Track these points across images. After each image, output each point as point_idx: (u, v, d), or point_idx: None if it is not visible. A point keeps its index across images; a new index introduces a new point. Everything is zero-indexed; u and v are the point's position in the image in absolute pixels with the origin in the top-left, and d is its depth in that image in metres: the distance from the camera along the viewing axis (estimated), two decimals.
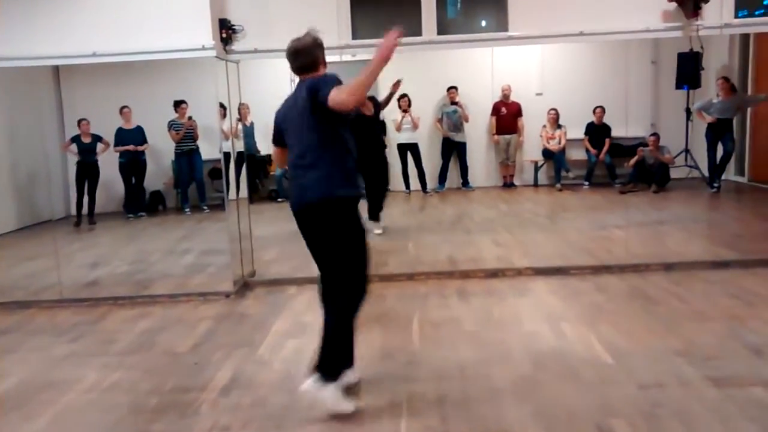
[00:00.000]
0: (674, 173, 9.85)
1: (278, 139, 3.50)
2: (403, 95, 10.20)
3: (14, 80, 7.48)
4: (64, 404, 3.54)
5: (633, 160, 10.04)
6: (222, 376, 3.78)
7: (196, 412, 3.34)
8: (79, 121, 9.25)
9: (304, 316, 4.85)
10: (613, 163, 10.50)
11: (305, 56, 3.32)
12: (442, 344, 4.10)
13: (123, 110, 9.61)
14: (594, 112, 10.59)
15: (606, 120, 10.58)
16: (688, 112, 9.38)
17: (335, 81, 3.17)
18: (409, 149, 10.66)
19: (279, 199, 10.57)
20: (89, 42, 5.44)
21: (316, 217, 3.25)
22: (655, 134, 10.06)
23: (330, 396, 3.17)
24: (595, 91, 10.69)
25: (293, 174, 3.36)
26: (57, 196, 9.46)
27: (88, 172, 9.29)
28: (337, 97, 3.05)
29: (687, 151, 9.54)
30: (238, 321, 4.88)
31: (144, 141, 9.72)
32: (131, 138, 9.64)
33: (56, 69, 9.53)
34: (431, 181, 10.87)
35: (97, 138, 9.29)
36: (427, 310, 4.79)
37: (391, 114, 10.21)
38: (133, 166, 9.70)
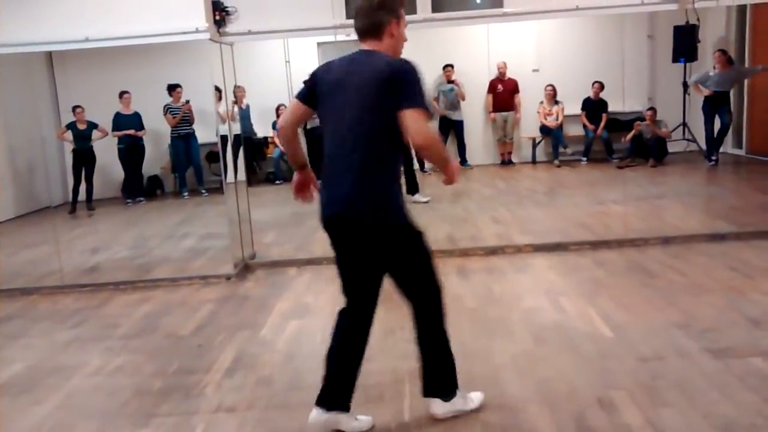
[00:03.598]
0: (672, 147, 9.84)
1: (309, 97, 2.79)
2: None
3: (8, 67, 7.42)
4: (70, 388, 3.57)
5: (630, 135, 10.01)
6: (225, 358, 3.81)
7: (201, 394, 3.38)
8: (74, 108, 9.22)
9: (305, 297, 4.88)
10: (611, 139, 10.48)
11: (364, 18, 2.74)
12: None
13: (123, 95, 9.57)
14: (591, 87, 10.56)
15: (603, 95, 10.55)
16: (685, 85, 9.35)
17: (422, 90, 2.59)
18: None
19: (277, 182, 10.57)
20: (82, 27, 5.40)
21: (370, 241, 2.73)
22: (652, 108, 10.03)
23: (462, 403, 2.95)
24: (592, 66, 10.64)
25: (336, 165, 2.73)
26: (55, 182, 9.45)
27: (84, 159, 9.27)
28: (417, 126, 2.51)
29: (684, 124, 9.53)
30: (240, 303, 4.91)
31: (142, 126, 9.70)
32: (130, 123, 9.62)
33: (49, 55, 9.48)
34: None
35: (92, 125, 9.25)
36: None
37: None
38: (132, 151, 9.69)
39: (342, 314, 2.90)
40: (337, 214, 2.75)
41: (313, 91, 2.79)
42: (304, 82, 2.85)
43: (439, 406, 2.93)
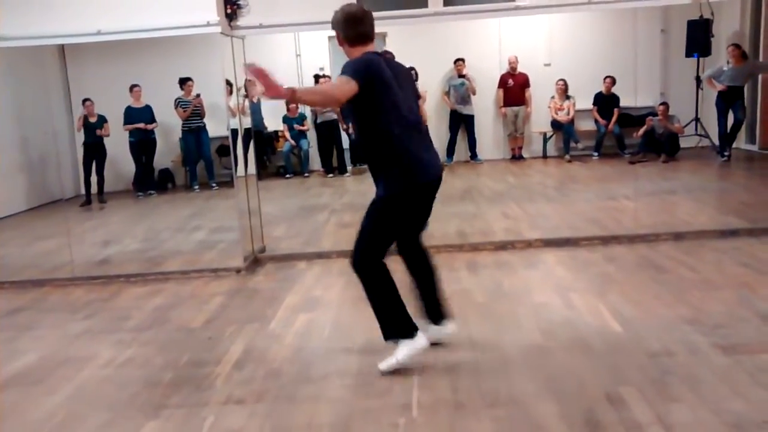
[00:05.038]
0: (684, 142, 9.79)
1: (382, 84, 3.19)
2: (410, 68, 10.11)
3: (20, 60, 7.48)
4: (81, 379, 3.60)
5: (642, 130, 9.97)
6: (235, 350, 3.83)
7: (210, 386, 3.40)
8: (84, 101, 9.27)
9: (314, 291, 4.89)
10: (622, 134, 10.44)
11: (370, 25, 3.31)
12: (452, 316, 4.12)
13: (134, 89, 9.62)
14: (603, 81, 10.50)
15: (615, 90, 10.50)
16: (698, 80, 9.29)
17: None
18: None
19: (287, 176, 10.60)
20: (94, 20, 5.41)
21: (436, 188, 3.43)
22: (664, 103, 9.98)
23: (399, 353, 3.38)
24: (604, 60, 10.59)
25: (421, 144, 3.35)
26: (67, 175, 9.52)
27: (95, 152, 9.33)
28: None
29: (697, 119, 9.47)
30: (250, 296, 4.93)
31: (153, 120, 9.74)
32: (141, 116, 9.66)
33: (62, 48, 9.54)
34: (440, 154, 10.78)
35: (102, 119, 9.30)
36: None
37: None
38: (143, 144, 9.74)
39: (384, 264, 3.35)
40: (439, 175, 3.37)
41: (381, 76, 3.18)
42: (357, 73, 3.13)
43: (383, 363, 3.38)
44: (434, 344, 3.50)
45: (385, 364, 3.36)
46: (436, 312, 3.63)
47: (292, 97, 2.98)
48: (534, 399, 3.01)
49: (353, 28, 3.28)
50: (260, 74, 2.86)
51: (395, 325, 3.36)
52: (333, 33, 3.38)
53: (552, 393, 3.05)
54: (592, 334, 3.71)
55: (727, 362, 3.23)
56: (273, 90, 2.89)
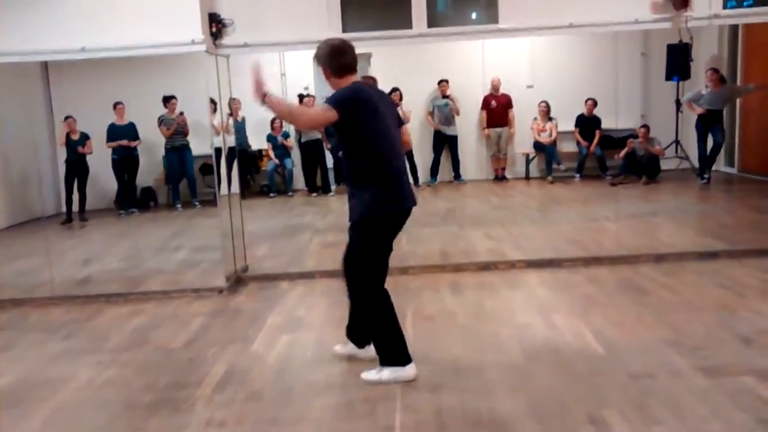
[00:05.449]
0: (664, 165, 9.90)
1: (369, 113, 3.36)
2: (395, 89, 10.18)
3: (3, 76, 7.43)
4: (59, 402, 3.54)
5: (623, 152, 10.09)
6: (216, 372, 3.79)
7: (191, 408, 3.35)
8: (66, 118, 9.19)
9: (297, 311, 4.87)
10: (604, 155, 10.55)
11: (353, 56, 3.47)
12: (435, 337, 4.12)
13: (117, 106, 9.58)
14: (585, 104, 10.63)
15: (596, 112, 10.62)
16: (678, 103, 9.43)
17: None
18: None
19: (271, 195, 10.58)
20: (78, 37, 5.40)
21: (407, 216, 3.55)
22: (645, 126, 10.10)
23: (387, 375, 3.51)
24: (586, 83, 10.73)
25: (401, 171, 3.51)
26: (48, 192, 9.43)
27: (77, 170, 9.24)
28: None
29: (677, 142, 9.60)
30: (232, 316, 4.89)
31: (137, 137, 9.69)
32: (124, 134, 9.61)
33: (45, 65, 9.48)
34: (423, 175, 10.89)
35: (84, 136, 9.23)
36: (420, 304, 4.81)
37: None
38: (126, 162, 9.68)
39: (386, 293, 3.53)
40: (412, 204, 3.49)
41: (372, 106, 3.35)
42: (340, 103, 3.28)
43: (367, 373, 3.51)
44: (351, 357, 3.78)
45: (369, 376, 3.49)
46: (362, 336, 3.73)
47: (263, 98, 3.22)
48: (517, 420, 3.01)
49: (339, 60, 3.42)
50: (256, 77, 3.18)
51: (391, 352, 3.48)
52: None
53: (535, 414, 3.05)
54: (575, 355, 3.71)
55: (707, 384, 3.24)
56: (258, 91, 3.20)
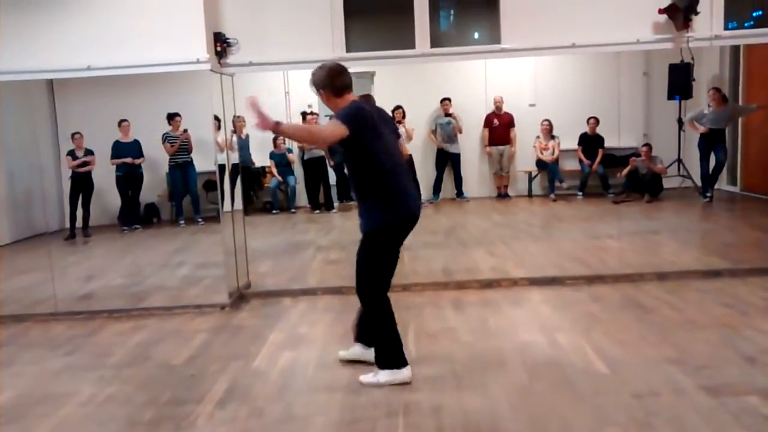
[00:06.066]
0: (667, 183, 9.92)
1: (371, 129, 3.52)
2: (398, 107, 10.24)
3: (8, 93, 7.48)
4: (60, 418, 3.53)
5: (626, 171, 10.11)
6: (218, 389, 3.78)
7: (192, 425, 3.34)
8: (73, 135, 9.27)
9: (299, 328, 4.86)
10: (606, 174, 10.57)
11: (348, 76, 3.62)
12: (438, 354, 4.11)
13: (122, 123, 9.64)
14: (587, 122, 10.67)
15: (599, 131, 10.66)
16: (680, 122, 9.46)
17: None
18: None
19: (274, 211, 10.60)
20: (84, 55, 5.45)
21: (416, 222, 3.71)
22: (647, 144, 10.13)
23: (385, 377, 3.68)
24: (588, 102, 10.78)
25: (406, 180, 3.68)
26: (52, 208, 9.45)
27: (81, 186, 9.29)
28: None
29: (679, 161, 9.62)
30: (234, 333, 4.88)
31: (141, 154, 9.74)
32: (128, 151, 9.66)
33: (50, 82, 9.55)
34: (426, 192, 10.90)
35: (89, 152, 9.30)
36: (422, 321, 4.80)
37: None
38: (130, 179, 9.72)
39: (387, 299, 3.69)
40: (419, 211, 3.68)
41: (372, 123, 3.50)
42: (349, 118, 3.43)
43: (365, 376, 3.66)
44: (355, 361, 3.91)
45: (367, 379, 3.66)
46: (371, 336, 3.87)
47: (275, 128, 3.25)
48: None
49: (339, 80, 3.58)
50: (255, 107, 3.18)
51: (389, 355, 3.65)
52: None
53: None
54: (578, 373, 3.70)
55: (711, 404, 3.23)
56: (263, 122, 3.20)
